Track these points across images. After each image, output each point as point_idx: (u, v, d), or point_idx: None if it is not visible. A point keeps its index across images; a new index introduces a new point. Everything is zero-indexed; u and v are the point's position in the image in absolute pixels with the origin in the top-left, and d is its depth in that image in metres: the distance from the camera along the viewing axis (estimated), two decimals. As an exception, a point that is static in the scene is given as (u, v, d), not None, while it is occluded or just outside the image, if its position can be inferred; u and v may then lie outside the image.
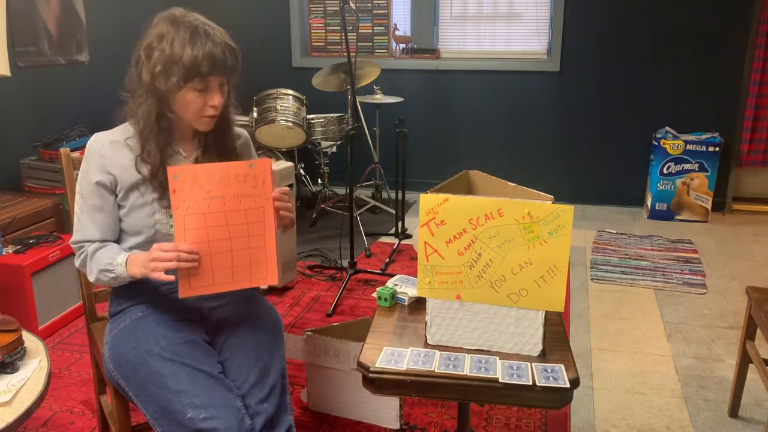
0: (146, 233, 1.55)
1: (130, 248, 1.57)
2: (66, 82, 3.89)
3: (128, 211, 1.55)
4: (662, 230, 4.18)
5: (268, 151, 3.99)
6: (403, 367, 1.32)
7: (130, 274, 1.48)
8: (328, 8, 5.00)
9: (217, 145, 1.62)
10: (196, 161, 1.59)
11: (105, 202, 1.54)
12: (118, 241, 1.59)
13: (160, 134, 1.52)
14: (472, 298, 1.37)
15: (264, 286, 3.13)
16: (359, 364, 1.35)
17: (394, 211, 4.29)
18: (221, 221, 1.44)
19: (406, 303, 1.62)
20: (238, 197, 1.44)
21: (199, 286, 1.44)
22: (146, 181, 1.53)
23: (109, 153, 1.54)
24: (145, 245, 1.55)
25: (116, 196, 1.55)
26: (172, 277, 1.42)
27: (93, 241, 1.54)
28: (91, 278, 1.55)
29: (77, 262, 1.58)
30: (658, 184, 4.36)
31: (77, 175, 1.59)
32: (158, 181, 1.52)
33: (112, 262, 1.49)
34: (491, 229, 1.32)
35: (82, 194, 1.56)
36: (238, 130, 1.71)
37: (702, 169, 4.27)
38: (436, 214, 1.34)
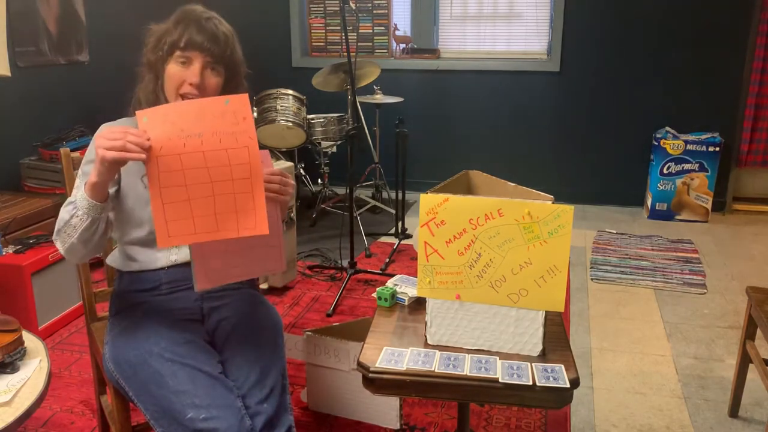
0: (149, 225, 1.55)
1: (133, 241, 1.58)
2: (66, 82, 3.88)
3: (133, 202, 1.55)
4: (662, 230, 4.18)
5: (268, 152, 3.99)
6: (403, 367, 1.32)
7: (88, 186, 1.38)
8: (328, 8, 5.00)
9: None
10: None
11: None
12: (121, 235, 1.60)
13: None
14: (472, 298, 1.37)
15: (264, 286, 3.14)
16: (359, 364, 1.35)
17: (394, 211, 4.29)
18: (200, 162, 1.29)
19: (406, 303, 1.62)
20: (218, 135, 1.30)
21: (179, 234, 1.29)
22: None
23: None
24: (148, 238, 1.56)
25: (118, 185, 1.55)
26: (128, 155, 1.27)
27: None
28: (57, 227, 1.47)
29: (55, 236, 1.50)
30: (658, 184, 4.36)
31: (77, 174, 1.59)
32: None
33: (74, 193, 1.44)
34: (491, 229, 1.32)
35: (83, 172, 1.55)
36: None
37: (702, 169, 4.27)
38: (436, 214, 1.34)
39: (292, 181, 1.52)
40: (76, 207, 1.42)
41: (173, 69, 1.52)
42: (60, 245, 1.49)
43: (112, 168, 1.34)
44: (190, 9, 1.56)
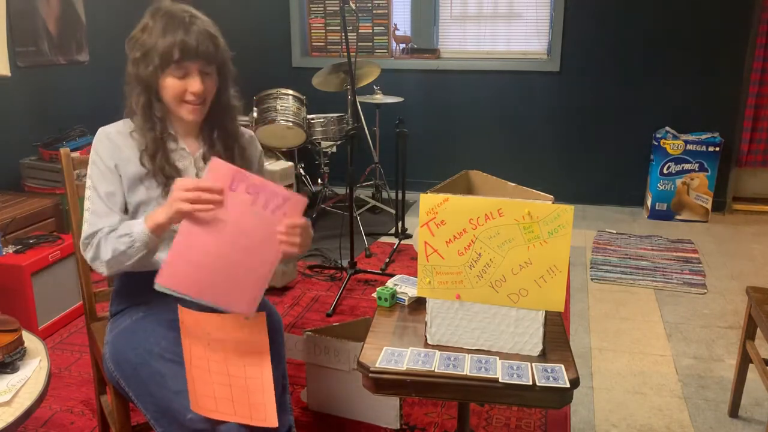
0: None
1: None
2: (66, 82, 3.89)
3: (136, 206, 1.55)
4: (662, 230, 4.17)
5: (268, 151, 3.99)
6: (403, 367, 1.32)
7: (153, 224, 1.42)
8: (328, 8, 5.00)
9: (223, 139, 1.62)
10: (203, 157, 1.60)
11: (119, 186, 1.54)
12: None
13: (154, 123, 1.54)
14: (472, 298, 1.37)
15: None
16: (359, 364, 1.35)
17: (394, 211, 4.29)
18: (221, 359, 1.44)
19: (406, 303, 1.62)
20: (236, 343, 1.47)
21: (204, 408, 1.37)
22: (150, 175, 1.54)
23: (117, 140, 1.55)
24: None
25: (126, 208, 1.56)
26: (200, 213, 1.34)
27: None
28: (106, 256, 1.47)
29: (89, 255, 1.51)
30: (658, 184, 4.36)
31: (77, 175, 1.59)
32: (163, 175, 1.53)
33: (130, 225, 1.47)
34: (491, 229, 1.32)
35: (94, 184, 1.54)
36: (242, 128, 1.72)
37: (702, 169, 4.27)
38: (436, 214, 1.34)
39: (311, 231, 1.50)
40: (134, 239, 1.45)
41: (171, 82, 1.50)
42: (103, 268, 1.51)
43: (183, 217, 1.38)
44: (169, 11, 1.50)
